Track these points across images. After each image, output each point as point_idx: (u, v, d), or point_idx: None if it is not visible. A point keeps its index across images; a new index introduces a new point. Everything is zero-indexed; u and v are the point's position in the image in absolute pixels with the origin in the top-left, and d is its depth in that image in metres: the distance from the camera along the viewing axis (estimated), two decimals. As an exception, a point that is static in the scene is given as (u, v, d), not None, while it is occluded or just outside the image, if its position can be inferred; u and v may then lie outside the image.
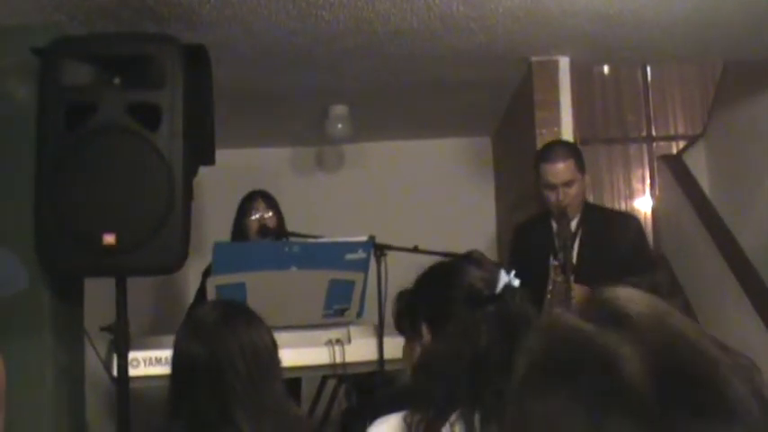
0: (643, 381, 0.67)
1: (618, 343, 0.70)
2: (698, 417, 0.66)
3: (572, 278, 3.60)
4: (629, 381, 0.67)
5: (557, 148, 3.89)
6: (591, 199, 4.15)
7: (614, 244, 3.76)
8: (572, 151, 3.86)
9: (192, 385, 2.12)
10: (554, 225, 3.80)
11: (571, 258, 3.67)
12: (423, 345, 1.87)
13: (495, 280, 1.81)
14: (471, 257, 1.95)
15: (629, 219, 4.27)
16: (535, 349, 0.75)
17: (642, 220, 6.17)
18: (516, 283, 1.83)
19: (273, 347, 2.22)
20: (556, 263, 3.64)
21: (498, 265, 1.88)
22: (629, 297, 0.75)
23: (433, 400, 1.73)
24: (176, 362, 2.20)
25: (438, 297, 1.87)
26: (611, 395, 0.67)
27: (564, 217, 3.74)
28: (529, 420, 0.72)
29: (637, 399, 0.67)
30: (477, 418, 1.69)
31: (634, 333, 0.71)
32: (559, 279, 3.61)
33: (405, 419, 1.73)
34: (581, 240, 3.77)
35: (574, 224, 3.79)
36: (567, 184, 3.73)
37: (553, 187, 3.73)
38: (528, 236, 4.01)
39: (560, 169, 3.73)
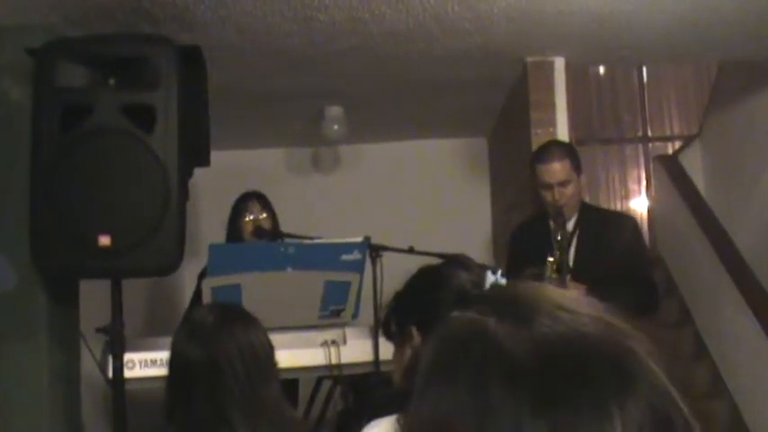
0: (523, 351, 0.68)
1: (503, 328, 0.70)
2: (590, 381, 0.66)
3: (567, 278, 3.61)
4: (509, 354, 0.68)
5: (552, 148, 3.89)
6: (587, 199, 4.15)
7: (611, 244, 3.76)
8: (567, 151, 3.86)
9: (190, 388, 2.12)
10: (551, 225, 3.80)
11: (566, 258, 3.67)
12: (413, 348, 1.87)
13: (482, 280, 1.82)
14: (457, 260, 1.96)
15: (626, 219, 4.26)
16: (428, 350, 0.76)
17: (638, 220, 6.16)
18: (503, 281, 1.83)
19: (270, 349, 2.23)
20: (551, 259, 3.64)
21: (484, 267, 1.88)
22: (529, 288, 0.76)
23: None
24: (174, 364, 2.20)
25: (427, 300, 1.87)
26: (492, 370, 0.68)
27: (560, 217, 3.74)
28: (424, 416, 0.73)
29: (515, 366, 0.67)
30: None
31: (525, 318, 0.71)
32: (554, 277, 3.61)
33: (398, 422, 1.73)
34: (578, 240, 3.77)
35: (571, 224, 3.79)
36: (563, 183, 3.73)
37: (549, 187, 3.74)
38: (526, 236, 4.01)
39: (556, 169, 3.73)
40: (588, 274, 3.59)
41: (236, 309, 2.38)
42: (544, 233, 3.80)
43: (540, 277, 3.60)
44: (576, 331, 0.70)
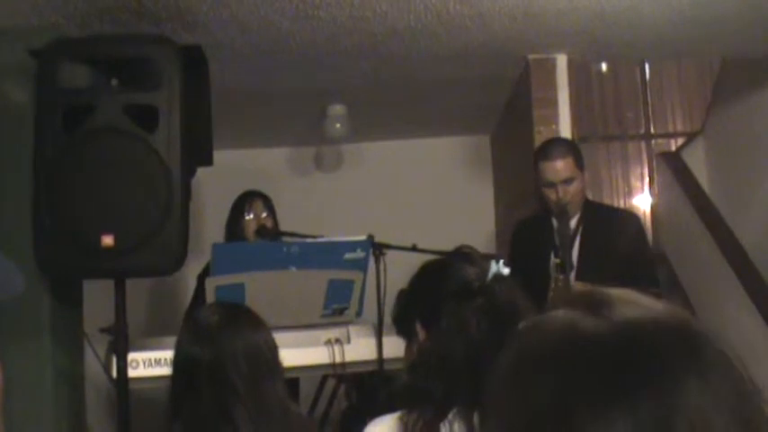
0: (606, 335, 0.71)
1: (588, 320, 0.74)
2: (669, 357, 0.70)
3: (571, 276, 3.60)
4: (588, 336, 0.72)
5: (555, 145, 3.88)
6: (590, 197, 4.14)
7: (614, 241, 3.75)
8: (570, 148, 3.84)
9: (194, 387, 2.12)
10: (555, 223, 3.79)
11: (569, 257, 3.66)
12: (418, 343, 1.87)
13: (485, 272, 1.81)
14: (461, 253, 1.95)
15: (629, 216, 4.26)
16: (514, 345, 0.78)
17: (641, 217, 6.16)
18: (505, 271, 1.83)
19: (274, 349, 2.23)
20: (557, 260, 3.63)
21: (488, 257, 1.88)
22: (599, 289, 0.80)
23: (430, 398, 1.73)
24: (178, 364, 2.20)
25: (429, 295, 1.87)
26: (572, 352, 0.72)
27: (564, 214, 3.73)
28: (509, 408, 0.75)
29: (596, 346, 0.71)
30: (476, 415, 1.69)
31: (603, 309, 0.75)
32: (560, 277, 3.60)
33: (401, 419, 1.73)
34: (581, 238, 3.76)
35: (574, 222, 3.78)
36: (567, 181, 3.72)
37: (552, 185, 3.72)
38: (528, 233, 4.00)
39: (559, 167, 3.72)
40: (592, 271, 3.59)
41: (240, 308, 2.38)
42: (546, 231, 3.79)
43: (546, 276, 3.60)
44: (653, 317, 0.74)
